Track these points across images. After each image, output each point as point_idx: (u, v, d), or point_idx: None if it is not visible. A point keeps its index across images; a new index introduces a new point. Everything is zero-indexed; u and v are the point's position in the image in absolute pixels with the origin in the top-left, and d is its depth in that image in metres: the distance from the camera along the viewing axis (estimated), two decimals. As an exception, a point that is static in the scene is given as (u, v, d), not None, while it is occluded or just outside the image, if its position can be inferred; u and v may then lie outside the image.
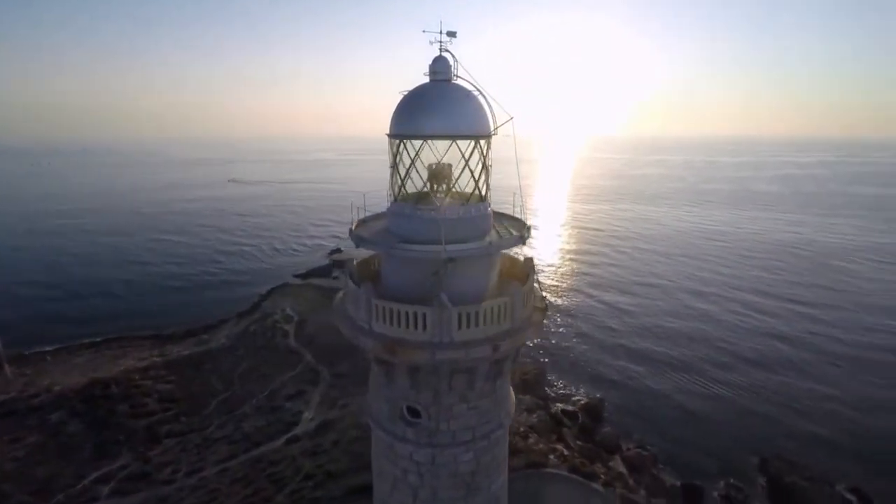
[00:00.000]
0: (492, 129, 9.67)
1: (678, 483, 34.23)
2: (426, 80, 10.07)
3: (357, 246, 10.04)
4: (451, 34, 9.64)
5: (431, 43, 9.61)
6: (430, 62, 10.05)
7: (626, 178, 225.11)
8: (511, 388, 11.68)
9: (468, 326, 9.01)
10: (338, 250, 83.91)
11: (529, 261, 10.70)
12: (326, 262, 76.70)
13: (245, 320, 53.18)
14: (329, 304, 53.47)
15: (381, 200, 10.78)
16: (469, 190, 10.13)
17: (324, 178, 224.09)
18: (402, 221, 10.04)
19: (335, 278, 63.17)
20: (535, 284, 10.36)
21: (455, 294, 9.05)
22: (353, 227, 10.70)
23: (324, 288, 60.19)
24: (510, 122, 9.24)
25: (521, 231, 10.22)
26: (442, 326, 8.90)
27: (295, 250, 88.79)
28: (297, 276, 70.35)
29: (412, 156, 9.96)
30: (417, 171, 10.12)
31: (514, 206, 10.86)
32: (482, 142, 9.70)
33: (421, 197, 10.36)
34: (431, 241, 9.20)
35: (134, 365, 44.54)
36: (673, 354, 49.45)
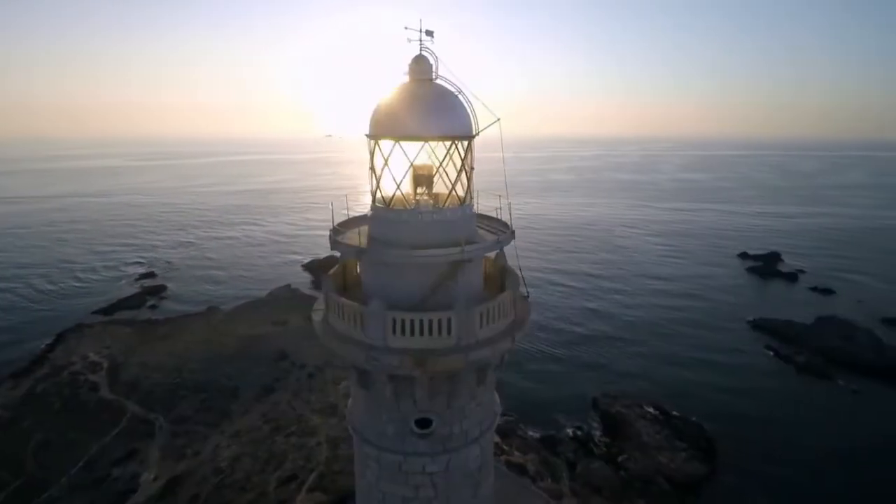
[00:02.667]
0: (475, 129, 9.86)
1: (538, 436, 39.49)
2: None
3: (368, 256, 8.95)
4: (430, 33, 9.46)
5: (410, 41, 9.27)
6: (410, 61, 9.70)
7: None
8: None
9: (487, 323, 9.17)
10: (150, 275, 69.62)
11: (501, 254, 11.27)
12: (136, 289, 62.83)
13: (26, 380, 40.24)
14: (150, 338, 45.42)
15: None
16: (449, 191, 10.11)
17: (110, 189, 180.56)
18: (400, 227, 9.46)
19: (153, 307, 52.41)
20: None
21: (460, 294, 9.08)
22: (356, 236, 9.55)
23: (138, 322, 49.50)
24: (497, 122, 9.60)
25: (505, 229, 10.72)
26: (468, 328, 8.84)
27: (85, 283, 69.55)
28: (97, 312, 55.85)
29: (387, 156, 9.47)
30: (392, 172, 9.65)
31: (478, 204, 11.24)
32: (467, 143, 9.81)
33: (401, 199, 9.94)
34: (437, 244, 8.99)
35: None
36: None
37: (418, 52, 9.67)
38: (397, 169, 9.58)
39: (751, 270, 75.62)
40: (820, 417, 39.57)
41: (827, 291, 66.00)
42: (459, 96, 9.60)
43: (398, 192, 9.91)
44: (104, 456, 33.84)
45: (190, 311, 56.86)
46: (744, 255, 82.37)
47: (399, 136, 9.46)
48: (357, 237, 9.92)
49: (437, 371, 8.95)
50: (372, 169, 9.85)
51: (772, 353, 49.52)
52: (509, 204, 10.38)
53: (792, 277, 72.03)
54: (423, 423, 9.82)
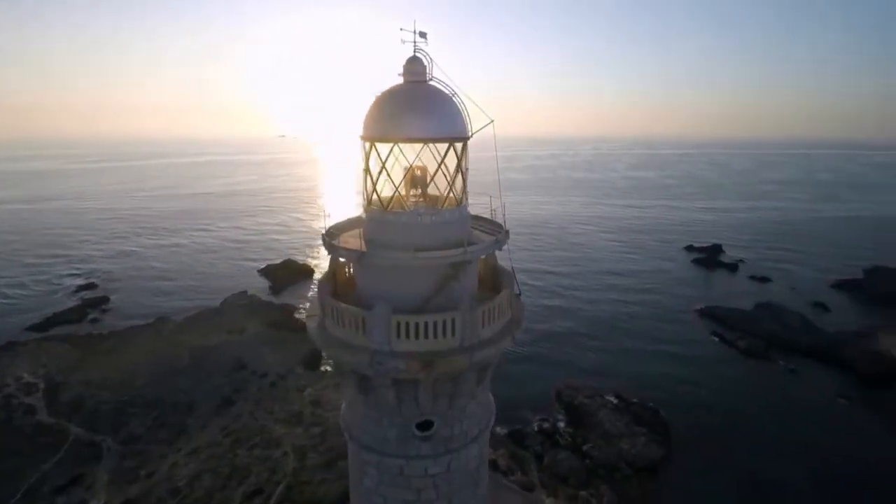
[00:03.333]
0: (469, 131, 9.92)
1: (506, 432, 40.21)
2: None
3: (369, 260, 8.71)
4: (423, 35, 9.42)
5: (404, 42, 9.20)
6: (405, 62, 9.62)
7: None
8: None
9: (488, 323, 9.25)
10: (89, 286, 64.52)
11: (492, 254, 11.39)
12: (74, 302, 58.02)
13: (-50, 408, 36.45)
14: (93, 354, 42.68)
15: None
16: (443, 193, 10.11)
17: (43, 194, 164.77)
18: (399, 229, 9.35)
19: (94, 321, 48.55)
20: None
21: (464, 295, 9.12)
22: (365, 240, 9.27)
23: (78, 337, 45.84)
24: (491, 124, 9.70)
25: (497, 228, 10.85)
26: (471, 329, 8.88)
27: (14, 299, 63.03)
28: (30, 329, 51.12)
29: (384, 159, 9.36)
30: (386, 174, 9.55)
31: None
32: (462, 144, 9.85)
33: (394, 201, 9.85)
34: (436, 246, 8.97)
35: None
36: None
37: (412, 54, 9.65)
38: (391, 171, 9.49)
39: (696, 262, 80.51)
40: (761, 396, 42.95)
41: (764, 279, 71.41)
42: (454, 98, 9.64)
43: (390, 194, 9.82)
44: (45, 484, 31.30)
45: (137, 324, 53.45)
46: (690, 248, 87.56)
47: (396, 139, 9.39)
48: (350, 240, 9.74)
49: (441, 373, 8.95)
50: (367, 171, 9.70)
51: (717, 339, 52.91)
52: (503, 204, 10.51)
53: (733, 268, 77.40)
54: (425, 425, 9.79)
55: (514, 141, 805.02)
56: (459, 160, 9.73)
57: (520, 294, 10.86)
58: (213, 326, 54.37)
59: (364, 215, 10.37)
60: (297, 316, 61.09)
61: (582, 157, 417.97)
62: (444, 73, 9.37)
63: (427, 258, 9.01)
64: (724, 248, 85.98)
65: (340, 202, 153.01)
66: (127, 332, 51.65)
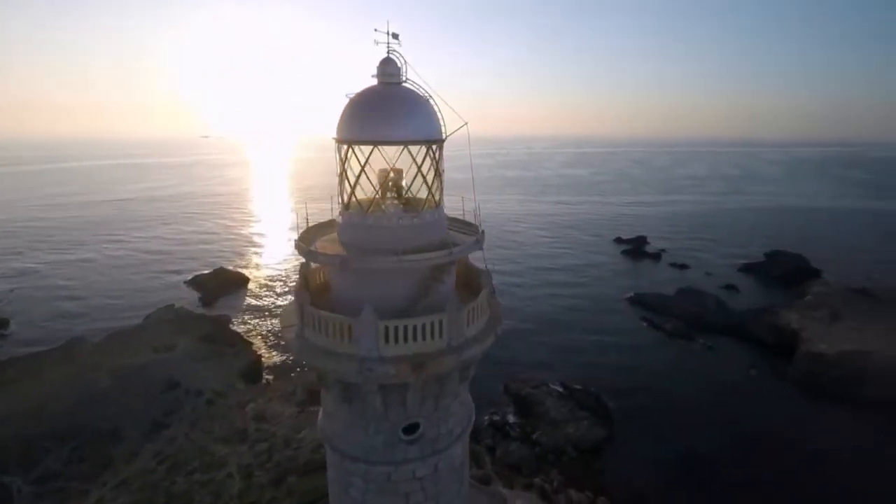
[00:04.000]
0: (444, 133, 9.93)
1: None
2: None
3: (354, 265, 8.40)
4: (395, 36, 9.29)
5: (377, 44, 9.02)
6: (379, 64, 9.43)
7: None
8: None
9: (473, 322, 9.33)
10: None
11: (465, 257, 11.46)
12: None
13: None
14: None
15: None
16: (419, 195, 10.06)
17: None
18: (379, 232, 9.15)
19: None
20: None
21: (449, 296, 9.16)
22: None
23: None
24: (465, 126, 9.77)
25: (470, 229, 10.95)
26: (458, 329, 8.91)
27: None
28: None
29: (362, 162, 9.14)
30: (365, 176, 9.33)
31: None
32: (439, 147, 9.85)
33: (370, 204, 9.65)
34: (417, 249, 8.92)
35: None
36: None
37: (386, 55, 9.52)
38: (364, 174, 9.30)
39: (624, 253, 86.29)
40: (686, 372, 47.21)
41: (683, 266, 78.01)
42: (430, 100, 9.63)
43: (365, 197, 9.64)
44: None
45: (43, 350, 47.79)
46: (618, 240, 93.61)
47: (375, 141, 9.22)
48: (326, 246, 9.42)
49: (431, 374, 8.93)
50: (343, 174, 9.43)
51: (646, 324, 57.04)
52: (477, 203, 10.66)
53: (657, 257, 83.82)
54: (411, 428, 9.72)
55: (448, 141, 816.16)
56: (437, 162, 9.75)
57: (494, 292, 11.13)
58: (137, 345, 49.92)
59: (339, 219, 10.06)
60: (232, 328, 57.82)
61: (514, 156, 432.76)
62: (418, 74, 9.36)
63: (414, 261, 8.97)
64: (648, 239, 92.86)
65: (278, 206, 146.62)
66: (33, 358, 46.06)
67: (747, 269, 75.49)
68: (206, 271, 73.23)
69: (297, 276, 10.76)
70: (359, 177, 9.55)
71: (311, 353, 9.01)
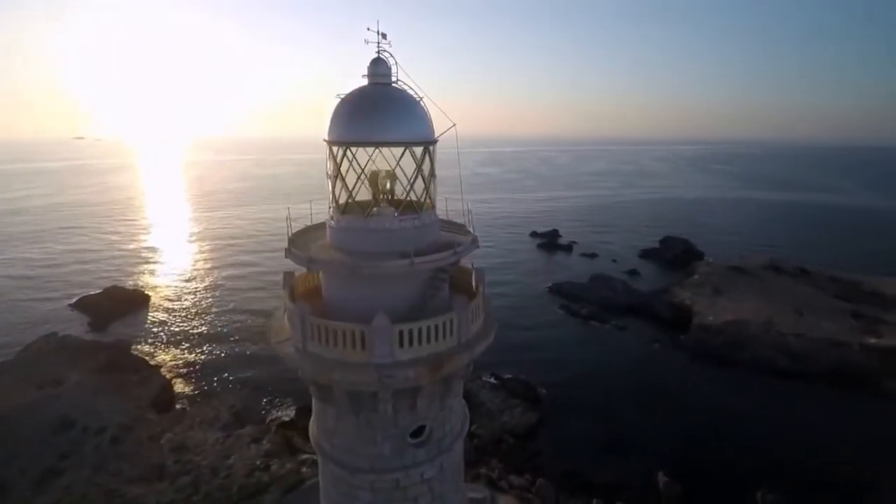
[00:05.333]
0: (434, 134, 9.87)
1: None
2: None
3: (363, 270, 7.98)
4: (383, 35, 9.04)
5: (367, 43, 8.72)
6: (369, 64, 9.11)
7: (258, 179, 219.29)
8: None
9: (476, 319, 9.43)
10: None
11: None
12: None
13: None
14: None
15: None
16: (410, 197, 9.91)
17: None
18: (380, 236, 8.86)
19: None
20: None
21: (457, 295, 9.23)
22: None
23: None
24: (454, 128, 9.78)
25: (459, 229, 11.03)
26: (467, 326, 8.96)
27: None
28: None
29: (352, 163, 8.81)
30: (346, 178, 9.00)
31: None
32: (431, 148, 9.79)
33: (357, 206, 9.36)
34: (418, 251, 8.83)
35: None
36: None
37: (376, 55, 9.27)
38: (358, 176, 9.02)
39: (540, 246, 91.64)
40: (603, 351, 51.82)
41: (593, 255, 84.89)
42: (422, 101, 9.56)
43: (360, 200, 9.35)
44: None
45: None
46: (534, 234, 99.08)
47: (371, 142, 8.97)
48: (318, 253, 8.96)
49: (448, 373, 8.93)
50: (339, 176, 9.03)
51: (564, 311, 61.23)
52: (465, 203, 10.81)
53: (569, 248, 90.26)
54: (418, 431, 9.62)
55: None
56: (432, 163, 9.74)
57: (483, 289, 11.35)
58: (15, 383, 42.75)
59: (333, 223, 9.62)
60: (134, 352, 51.78)
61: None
62: (408, 74, 9.30)
63: (423, 262, 8.90)
64: (560, 232, 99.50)
65: (174, 214, 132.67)
66: None
67: (645, 254, 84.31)
68: (94, 292, 64.57)
69: (284, 287, 10.09)
70: (358, 179, 9.24)
71: (321, 367, 8.53)
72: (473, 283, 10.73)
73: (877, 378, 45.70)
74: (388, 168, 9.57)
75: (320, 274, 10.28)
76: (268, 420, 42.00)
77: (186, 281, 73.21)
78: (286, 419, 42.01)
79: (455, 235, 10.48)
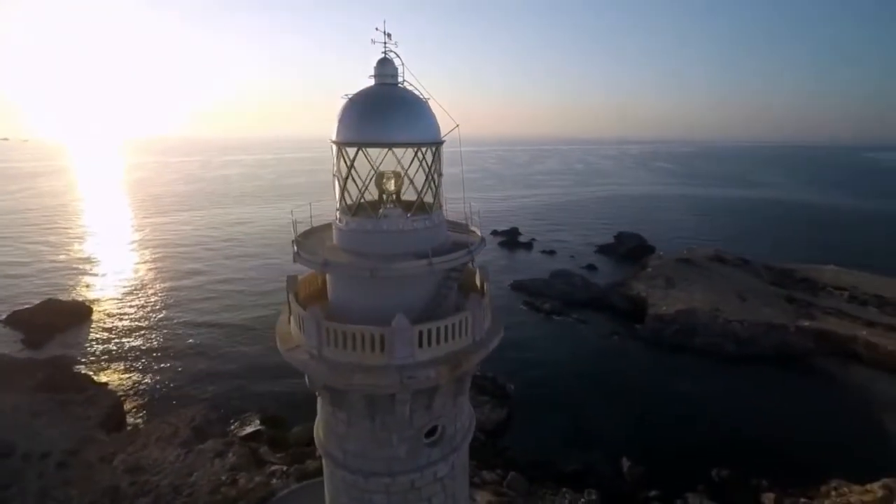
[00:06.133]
0: (441, 135, 9.86)
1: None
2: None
3: (383, 273, 7.85)
4: (388, 35, 8.94)
5: (374, 42, 8.59)
6: (376, 64, 9.00)
7: (207, 182, 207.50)
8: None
9: (486, 316, 9.52)
10: None
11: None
12: None
13: None
14: None
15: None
16: (422, 198, 9.86)
17: None
18: (393, 237, 8.77)
19: None
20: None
21: (471, 294, 9.34)
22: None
23: None
24: (457, 128, 9.80)
25: (459, 228, 11.09)
26: (480, 324, 9.04)
27: None
28: None
29: (359, 164, 8.69)
30: (356, 179, 8.85)
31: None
32: (439, 149, 9.78)
33: (368, 207, 9.25)
34: (428, 251, 8.84)
35: None
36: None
37: (383, 56, 9.17)
38: (364, 177, 8.93)
39: (501, 244, 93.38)
40: (565, 344, 53.64)
41: (552, 252, 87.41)
42: (428, 101, 9.55)
43: (367, 201, 9.23)
44: None
45: None
46: (495, 233, 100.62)
47: (386, 144, 8.88)
48: (328, 254, 8.76)
49: (467, 369, 8.99)
50: (349, 177, 8.89)
51: (528, 307, 62.75)
52: (467, 203, 10.88)
53: (529, 246, 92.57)
54: (430, 431, 9.62)
55: (321, 142, 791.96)
56: (440, 163, 9.75)
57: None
58: (-61, 411, 38.73)
59: (343, 225, 9.42)
60: (78, 369, 48.22)
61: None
62: (414, 75, 9.29)
63: (441, 262, 8.91)
64: (519, 229, 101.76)
65: (113, 220, 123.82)
66: None
67: (601, 250, 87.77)
68: (27, 305, 59.44)
69: (289, 292, 9.75)
70: (368, 180, 9.12)
71: (339, 372, 8.34)
72: (478, 282, 10.84)
73: (811, 357, 50.03)
74: (390, 169, 9.51)
75: (326, 277, 10.07)
76: (231, 433, 40.31)
77: (131, 291, 68.74)
78: (251, 431, 40.49)
79: (461, 235, 10.56)
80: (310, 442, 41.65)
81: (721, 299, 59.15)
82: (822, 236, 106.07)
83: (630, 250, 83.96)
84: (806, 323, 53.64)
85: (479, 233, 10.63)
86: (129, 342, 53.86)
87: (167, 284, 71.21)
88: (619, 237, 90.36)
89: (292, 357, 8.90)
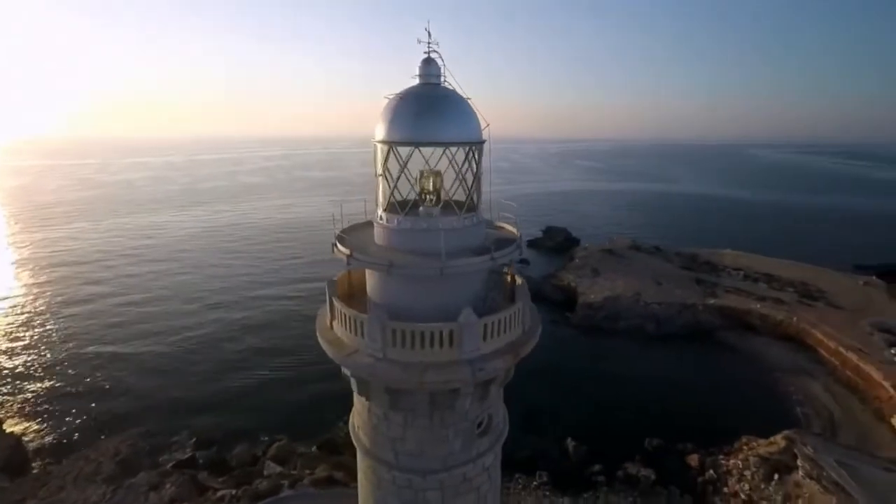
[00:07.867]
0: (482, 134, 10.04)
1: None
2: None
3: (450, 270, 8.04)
4: (429, 35, 8.97)
5: (419, 42, 8.59)
6: (421, 64, 9.05)
7: (107, 187, 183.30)
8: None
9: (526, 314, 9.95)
10: None
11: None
12: None
13: None
14: None
15: None
16: (455, 197, 10.01)
17: None
18: (437, 235, 8.87)
19: None
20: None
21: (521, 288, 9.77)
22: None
23: None
24: (487, 127, 10.02)
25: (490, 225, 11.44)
26: (528, 314, 9.42)
27: None
28: None
29: (402, 163, 8.74)
30: (407, 178, 8.83)
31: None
32: (481, 148, 9.97)
33: (409, 206, 9.29)
34: (473, 250, 9.13)
35: None
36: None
37: (426, 55, 9.22)
38: (406, 175, 8.99)
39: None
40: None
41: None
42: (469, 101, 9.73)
43: (410, 200, 9.24)
44: None
45: None
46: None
47: (439, 143, 8.96)
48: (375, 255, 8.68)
49: (517, 359, 9.34)
50: (387, 176, 8.90)
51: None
52: (491, 198, 11.18)
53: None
54: (480, 422, 9.85)
55: (241, 142, 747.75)
56: (478, 163, 9.99)
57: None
58: None
59: (394, 224, 9.33)
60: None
61: (315, 156, 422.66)
62: (453, 75, 9.49)
63: (501, 256, 9.19)
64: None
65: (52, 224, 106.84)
66: None
67: (532, 244, 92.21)
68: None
69: (332, 296, 9.43)
70: (421, 180, 9.15)
71: (408, 372, 8.28)
72: (509, 276, 11.27)
73: (718, 332, 56.89)
74: (427, 167, 9.64)
75: (365, 274, 9.95)
76: (164, 462, 37.01)
77: (19, 321, 59.42)
78: (186, 457, 37.49)
79: (499, 231, 10.98)
80: (255, 461, 39.48)
81: (641, 284, 65.00)
82: (720, 224, 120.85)
83: (559, 243, 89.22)
84: (711, 301, 60.76)
85: (514, 229, 11.07)
86: (22, 371, 47.24)
87: (63, 310, 62.11)
88: (548, 231, 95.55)
89: (353, 362, 8.66)
